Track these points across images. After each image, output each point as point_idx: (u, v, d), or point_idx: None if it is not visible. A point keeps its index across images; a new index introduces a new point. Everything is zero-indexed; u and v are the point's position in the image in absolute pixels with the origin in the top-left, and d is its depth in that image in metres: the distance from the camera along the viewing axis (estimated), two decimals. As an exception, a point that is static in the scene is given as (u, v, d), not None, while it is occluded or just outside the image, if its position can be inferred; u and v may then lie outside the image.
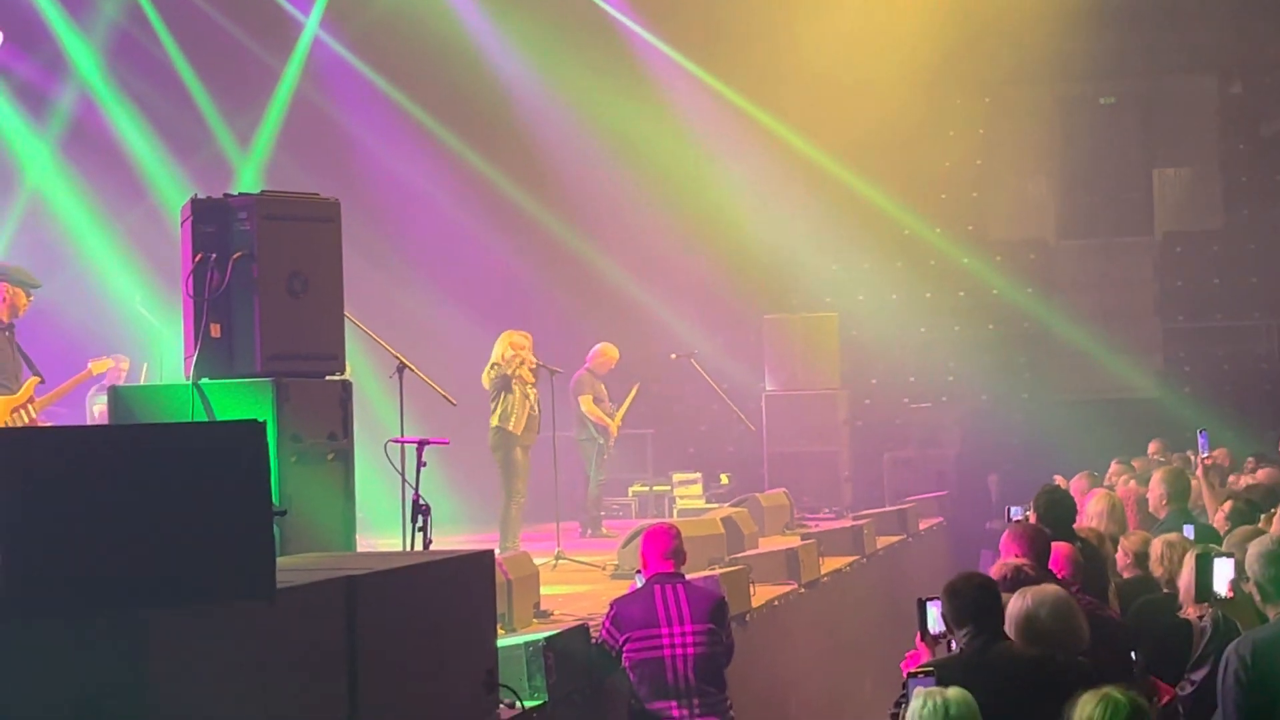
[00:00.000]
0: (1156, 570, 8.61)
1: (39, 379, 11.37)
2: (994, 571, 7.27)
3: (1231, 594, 7.13)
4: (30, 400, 11.31)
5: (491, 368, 14.29)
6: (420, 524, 8.69)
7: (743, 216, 20.57)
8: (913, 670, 5.82)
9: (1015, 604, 6.51)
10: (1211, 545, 8.10)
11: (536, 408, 14.36)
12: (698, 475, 18.95)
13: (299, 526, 7.90)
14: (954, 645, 6.53)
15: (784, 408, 18.66)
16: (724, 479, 19.23)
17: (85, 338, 15.83)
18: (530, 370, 14.34)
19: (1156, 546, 8.71)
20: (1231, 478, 13.09)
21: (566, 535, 14.35)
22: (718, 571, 10.53)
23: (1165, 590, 8.29)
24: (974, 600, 6.32)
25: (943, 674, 5.72)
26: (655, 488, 18.90)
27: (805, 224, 21.47)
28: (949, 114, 21.55)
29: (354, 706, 5.79)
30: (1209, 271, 21.37)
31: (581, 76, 20.00)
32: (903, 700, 6.06)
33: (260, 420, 5.25)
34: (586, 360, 16.66)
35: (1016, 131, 21.72)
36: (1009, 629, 6.41)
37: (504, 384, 14.20)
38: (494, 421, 14.25)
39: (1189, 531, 9.23)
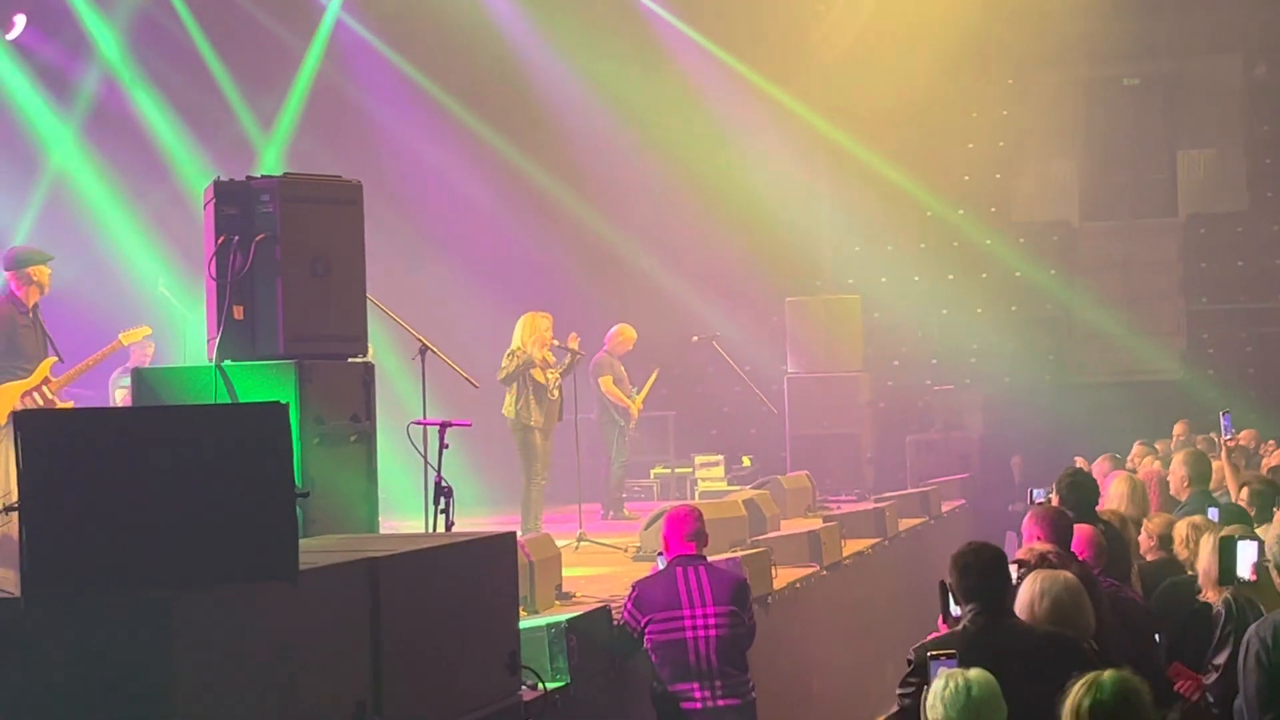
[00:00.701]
0: (1182, 553, 8.59)
1: (56, 358, 11.38)
2: (1019, 556, 7.25)
3: (1255, 577, 7.12)
4: (47, 380, 11.32)
5: (510, 355, 14.24)
6: (442, 506, 8.71)
7: (765, 198, 20.54)
8: (933, 651, 5.80)
9: (1025, 588, 6.51)
10: (1237, 525, 8.08)
11: (557, 391, 14.35)
12: (720, 457, 18.96)
13: (322, 508, 7.92)
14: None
15: (806, 390, 18.64)
16: (746, 461, 19.24)
17: (108, 320, 15.85)
18: (550, 352, 14.34)
19: (1181, 529, 8.70)
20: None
21: (588, 517, 14.37)
22: (740, 554, 10.53)
23: (1190, 573, 8.27)
24: (981, 574, 6.30)
25: (942, 650, 5.71)
26: (677, 470, 18.91)
27: (828, 206, 21.46)
28: (973, 95, 21.49)
29: (377, 688, 5.80)
30: (1233, 253, 21.30)
31: (604, 58, 19.98)
32: (911, 679, 6.06)
33: (283, 402, 5.26)
34: (605, 342, 16.66)
35: (1041, 113, 21.65)
36: (1018, 611, 6.40)
37: (524, 371, 14.15)
38: (509, 412, 14.22)
39: (1213, 514, 9.21)
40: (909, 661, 6.11)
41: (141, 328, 13.43)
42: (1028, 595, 6.46)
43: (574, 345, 14.57)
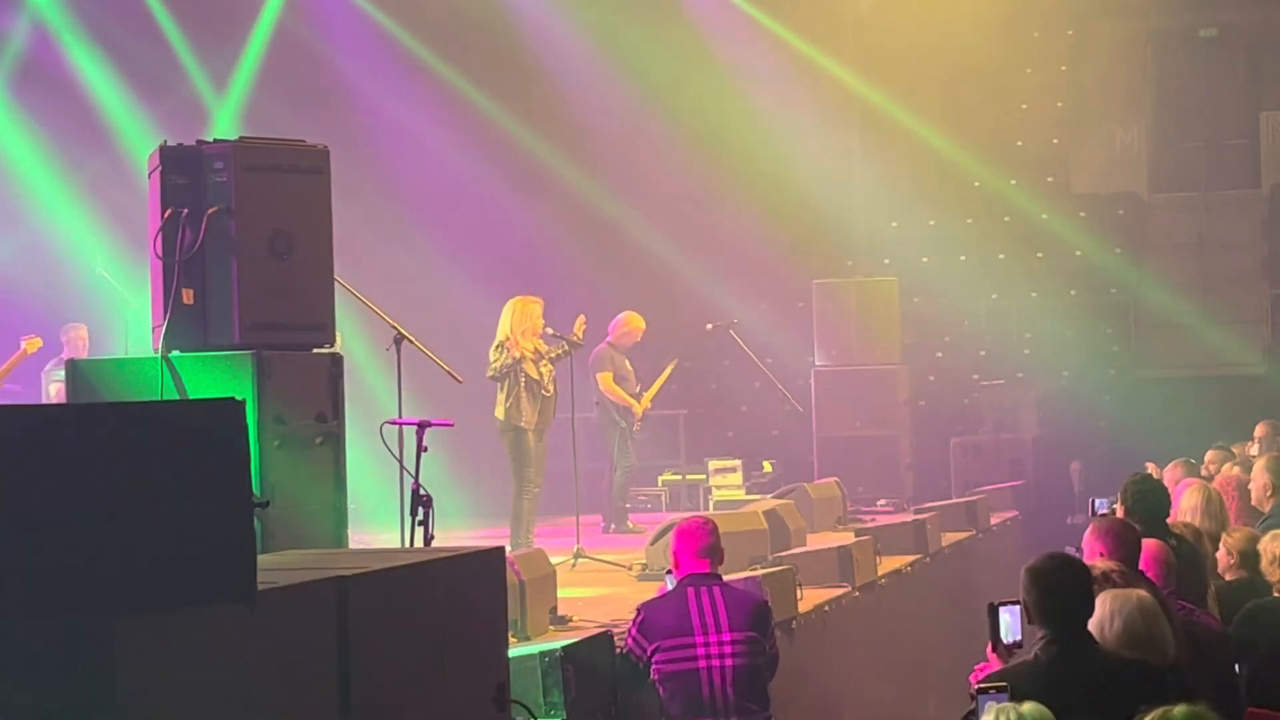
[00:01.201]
0: (1273, 574, 8.57)
1: None
2: None
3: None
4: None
5: (499, 348, 14.20)
6: (421, 517, 8.71)
7: (789, 166, 20.51)
8: (982, 684, 5.80)
9: (1096, 609, 6.49)
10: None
11: (552, 386, 14.34)
12: (737, 463, 18.96)
13: (283, 520, 7.92)
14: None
15: (836, 385, 18.63)
16: (767, 467, 19.24)
17: (40, 307, 15.90)
18: (543, 340, 14.31)
19: (1269, 545, 8.67)
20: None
21: (587, 531, 14.37)
22: (760, 572, 10.54)
23: (1277, 595, 8.26)
24: (1068, 594, 6.25)
25: (1015, 684, 5.69)
26: (688, 477, 18.91)
27: (861, 175, 21.44)
28: (1027, 50, 21.47)
29: (346, 725, 5.80)
30: (1324, 230, 21.30)
31: (607, 7, 19.96)
32: (970, 718, 6.04)
33: (239, 398, 5.25)
34: (608, 331, 16.63)
35: (1104, 69, 21.63)
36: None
37: (514, 367, 14.13)
38: (499, 413, 14.21)
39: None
40: (972, 696, 6.06)
41: (34, 338, 13.53)
42: (1096, 617, 6.45)
43: (579, 331, 14.53)
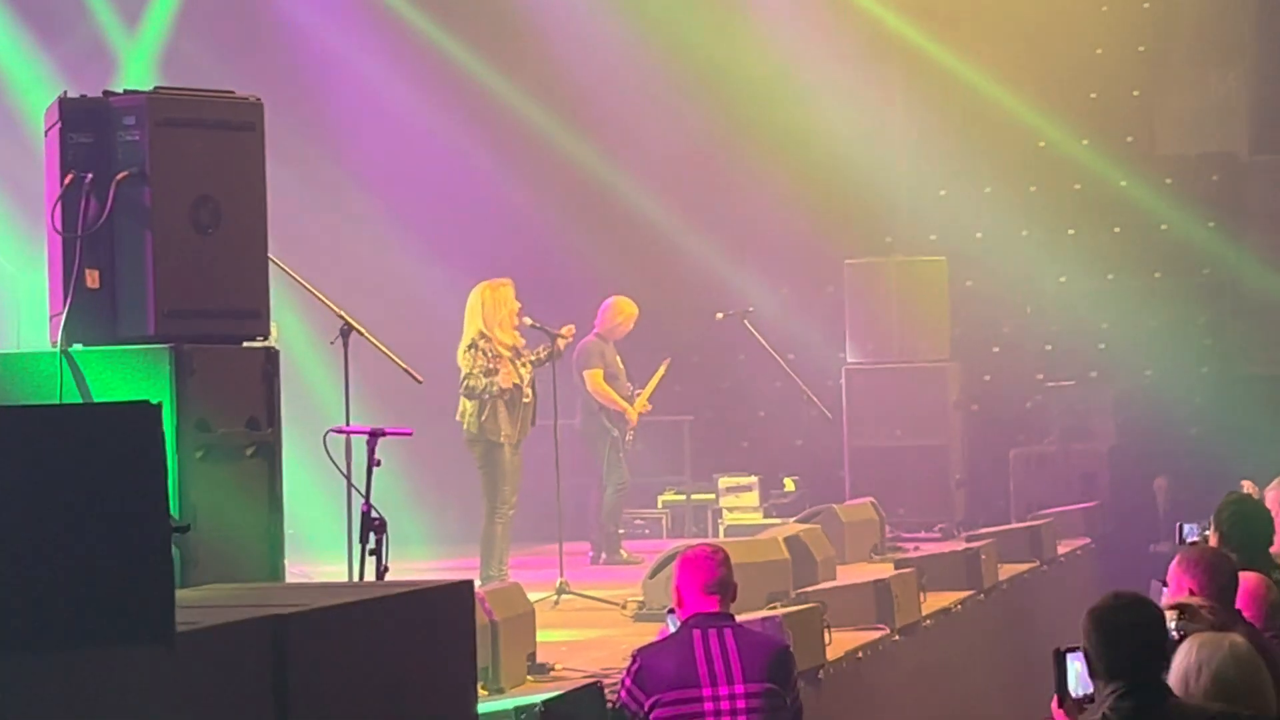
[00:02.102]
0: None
1: None
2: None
3: None
4: None
5: (471, 349, 14.16)
6: (372, 545, 8.73)
7: (818, 123, 20.52)
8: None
9: (1178, 658, 6.51)
10: None
11: (530, 390, 14.34)
12: (753, 479, 18.97)
13: (208, 547, 7.94)
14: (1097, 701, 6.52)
15: (872, 386, 18.66)
16: (789, 484, 19.26)
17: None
18: (519, 333, 14.32)
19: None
20: None
21: (573, 561, 14.39)
22: (780, 612, 10.56)
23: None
24: (1131, 636, 6.28)
25: None
26: (694, 496, 18.93)
27: (903, 133, 21.44)
28: (1102, -18, 21.50)
29: (282, 793, 5.82)
30: None
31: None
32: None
33: (154, 401, 5.27)
34: (595, 322, 16.64)
35: (1195, 7, 21.63)
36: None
37: (496, 373, 14.09)
38: (469, 425, 14.18)
39: None
40: None
41: None
42: (1181, 667, 6.46)
43: (567, 337, 14.52)
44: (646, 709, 8.38)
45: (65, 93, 8.53)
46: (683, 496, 18.96)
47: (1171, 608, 7.17)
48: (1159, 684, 6.29)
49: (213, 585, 7.58)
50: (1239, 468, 15.57)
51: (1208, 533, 9.45)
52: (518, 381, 14.19)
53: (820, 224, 20.73)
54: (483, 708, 7.39)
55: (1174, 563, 7.95)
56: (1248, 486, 12.69)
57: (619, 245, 20.20)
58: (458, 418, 14.27)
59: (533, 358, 14.35)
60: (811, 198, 20.69)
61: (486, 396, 14.07)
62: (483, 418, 14.14)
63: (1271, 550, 9.04)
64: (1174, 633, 6.77)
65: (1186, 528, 10.67)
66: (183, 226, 8.41)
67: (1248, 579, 8.04)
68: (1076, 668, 6.75)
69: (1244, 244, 21.58)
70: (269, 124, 8.74)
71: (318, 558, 12.84)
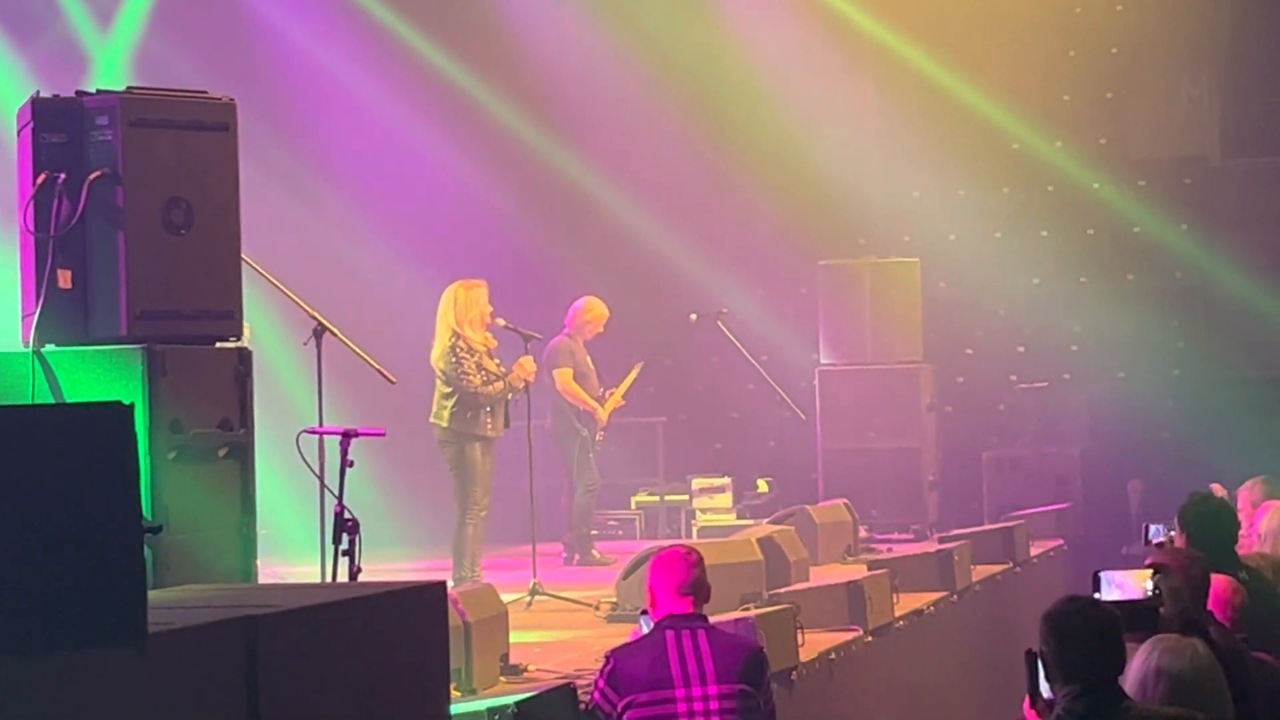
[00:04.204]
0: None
1: None
2: (1153, 561, 7.31)
3: None
4: None
5: (451, 353, 14.13)
6: (345, 545, 8.73)
7: (792, 124, 20.54)
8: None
9: (1137, 662, 6.53)
10: None
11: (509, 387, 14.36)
12: (727, 481, 18.99)
13: (180, 548, 7.94)
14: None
15: (846, 388, 18.66)
16: (762, 486, 19.27)
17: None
18: (490, 333, 14.31)
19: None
20: None
21: (545, 562, 14.40)
22: (754, 613, 10.57)
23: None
24: (1085, 639, 6.31)
25: None
26: (668, 498, 18.94)
27: (876, 135, 21.44)
28: (1075, -16, 21.52)
29: (254, 794, 5.82)
30: None
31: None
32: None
33: (126, 402, 5.26)
34: (566, 321, 16.63)
35: (1169, 8, 21.66)
36: (1127, 691, 6.43)
37: (463, 376, 14.08)
38: (442, 419, 14.17)
39: None
40: None
41: None
42: (1139, 672, 6.49)
43: (527, 369, 14.40)
44: (619, 710, 8.38)
45: (38, 92, 8.52)
46: (656, 498, 18.98)
47: (1148, 567, 7.19)
48: (1114, 686, 6.32)
49: (185, 586, 7.57)
50: (1211, 470, 15.59)
51: (1173, 534, 9.46)
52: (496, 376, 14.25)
53: (793, 225, 20.74)
54: (456, 709, 7.39)
55: (1146, 563, 7.95)
56: (1218, 489, 12.72)
57: (593, 247, 20.20)
58: (432, 419, 14.27)
59: (504, 386, 14.24)
60: (785, 199, 20.70)
61: (483, 398, 14.08)
62: (467, 416, 14.14)
63: (1238, 550, 9.04)
64: (1150, 592, 6.79)
65: (1152, 529, 10.67)
66: (155, 227, 8.40)
67: (1216, 581, 8.04)
68: (1049, 669, 6.77)
69: (1216, 247, 21.62)
70: (242, 124, 8.74)
71: (291, 559, 12.82)
